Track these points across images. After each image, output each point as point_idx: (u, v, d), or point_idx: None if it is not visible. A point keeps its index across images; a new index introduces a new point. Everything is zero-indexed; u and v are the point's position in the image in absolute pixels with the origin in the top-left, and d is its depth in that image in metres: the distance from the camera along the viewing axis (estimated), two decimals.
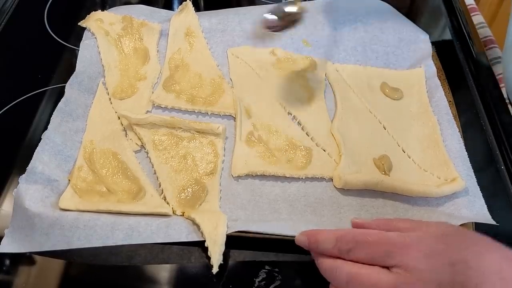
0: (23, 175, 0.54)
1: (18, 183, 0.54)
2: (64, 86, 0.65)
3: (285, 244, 0.53)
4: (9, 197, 0.57)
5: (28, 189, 0.53)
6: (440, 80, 0.71)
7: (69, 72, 0.67)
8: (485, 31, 0.83)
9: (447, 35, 0.80)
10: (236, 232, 0.50)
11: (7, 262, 0.51)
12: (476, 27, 0.82)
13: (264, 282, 0.51)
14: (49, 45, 0.76)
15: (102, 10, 0.77)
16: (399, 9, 0.78)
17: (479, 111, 0.68)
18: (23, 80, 0.71)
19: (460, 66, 0.74)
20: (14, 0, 0.82)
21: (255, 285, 0.50)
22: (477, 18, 0.85)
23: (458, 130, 0.64)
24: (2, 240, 0.50)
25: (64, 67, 0.72)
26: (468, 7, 0.85)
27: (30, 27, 0.80)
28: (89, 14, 0.75)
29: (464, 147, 0.62)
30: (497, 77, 0.73)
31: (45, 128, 0.60)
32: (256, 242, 0.52)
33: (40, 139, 0.59)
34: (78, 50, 0.71)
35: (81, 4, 0.83)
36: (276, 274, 0.51)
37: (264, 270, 0.52)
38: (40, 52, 0.76)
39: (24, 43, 0.77)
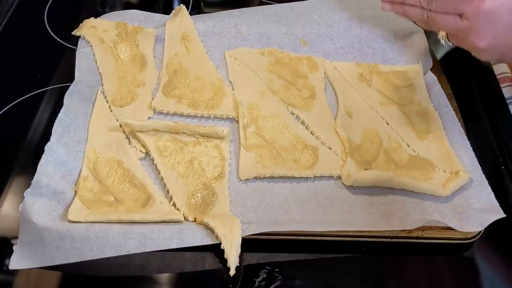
0: (28, 189, 0.53)
1: (20, 185, 0.54)
2: (65, 86, 0.65)
3: (285, 244, 0.53)
4: (9, 197, 0.57)
5: (34, 203, 0.52)
6: (438, 74, 0.71)
7: (69, 72, 0.67)
8: None
9: None
10: (251, 235, 0.50)
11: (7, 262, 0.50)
12: None
13: (264, 282, 0.51)
14: (49, 45, 0.76)
15: (102, 9, 0.76)
16: None
17: (480, 111, 0.70)
18: (23, 80, 0.71)
19: (460, 66, 0.76)
20: (15, 0, 0.81)
21: (256, 285, 0.51)
22: None
23: (458, 121, 0.65)
24: (12, 256, 0.49)
25: (64, 67, 0.72)
26: None
27: (30, 27, 0.79)
28: (89, 14, 0.75)
29: (466, 137, 0.63)
30: (497, 77, 0.74)
31: (46, 128, 0.60)
32: (257, 243, 0.52)
33: (41, 139, 0.59)
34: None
35: (81, 4, 0.83)
36: (277, 274, 0.52)
37: (264, 270, 0.52)
38: (40, 52, 0.75)
39: (24, 43, 0.77)
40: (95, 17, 0.76)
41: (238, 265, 0.48)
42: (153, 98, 0.67)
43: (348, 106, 0.67)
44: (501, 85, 0.75)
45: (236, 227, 0.50)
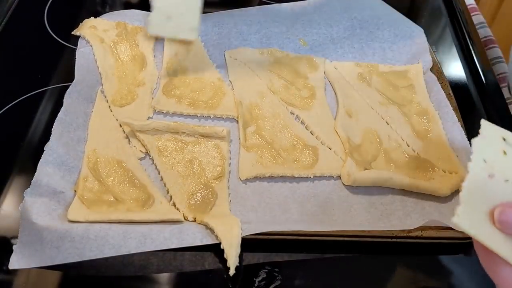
0: (28, 189, 0.53)
1: (19, 185, 0.54)
2: (65, 86, 0.65)
3: (285, 244, 0.53)
4: (9, 197, 0.57)
5: (34, 203, 0.52)
6: (438, 74, 0.71)
7: (69, 72, 0.67)
8: (485, 31, 0.84)
9: (447, 35, 0.82)
10: (251, 234, 0.50)
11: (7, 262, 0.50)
12: (476, 27, 0.83)
13: (264, 282, 0.51)
14: (49, 45, 0.76)
15: (102, 9, 0.76)
16: (399, 9, 0.79)
17: (480, 111, 0.70)
18: (23, 80, 0.71)
19: (460, 66, 0.76)
20: (14, 0, 0.81)
21: (255, 285, 0.51)
22: (477, 18, 0.86)
23: (458, 121, 0.65)
24: (11, 256, 0.49)
25: (64, 66, 0.72)
26: (469, 7, 0.87)
27: (30, 27, 0.79)
28: (89, 14, 0.75)
29: (466, 137, 0.63)
30: (497, 77, 0.74)
31: (46, 128, 0.60)
32: (257, 243, 0.52)
33: (41, 139, 0.59)
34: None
35: (81, 4, 0.83)
36: (276, 274, 0.52)
37: (264, 270, 0.52)
38: (40, 52, 0.75)
39: (24, 43, 0.77)
40: (95, 17, 0.76)
41: (238, 265, 0.48)
42: (153, 98, 0.67)
43: (348, 106, 0.67)
44: (501, 85, 0.75)
45: (236, 227, 0.50)
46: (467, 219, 0.35)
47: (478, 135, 0.39)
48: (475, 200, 0.36)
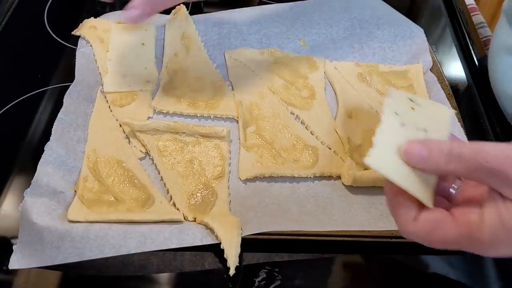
0: (28, 189, 0.53)
1: (19, 185, 0.54)
2: (65, 86, 0.65)
3: (285, 244, 0.53)
4: (9, 197, 0.57)
5: (34, 203, 0.52)
6: (438, 74, 0.71)
7: (69, 72, 0.67)
8: (485, 31, 0.84)
9: (447, 35, 0.82)
10: (251, 234, 0.50)
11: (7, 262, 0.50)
12: (476, 27, 0.84)
13: (264, 282, 0.51)
14: (49, 45, 0.76)
15: (102, 9, 0.76)
16: (399, 9, 0.79)
17: (479, 111, 0.70)
18: (23, 80, 0.71)
19: (460, 66, 0.76)
20: (14, 0, 0.82)
21: (255, 285, 0.50)
22: (477, 18, 0.86)
23: (458, 121, 0.65)
24: (11, 256, 0.49)
25: (64, 66, 0.72)
26: (469, 7, 0.87)
27: (30, 27, 0.79)
28: (89, 14, 0.75)
29: (466, 137, 0.63)
30: None
31: (46, 128, 0.60)
32: (257, 243, 0.52)
33: (41, 139, 0.59)
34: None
35: (81, 4, 0.83)
36: (276, 274, 0.51)
37: (264, 270, 0.52)
38: (40, 52, 0.75)
39: (24, 43, 0.77)
40: (95, 17, 0.76)
41: (238, 265, 0.48)
42: (153, 98, 0.67)
43: (348, 106, 0.67)
44: None
45: (235, 227, 0.50)
46: (379, 160, 0.38)
47: (388, 96, 0.43)
48: (387, 144, 0.39)
